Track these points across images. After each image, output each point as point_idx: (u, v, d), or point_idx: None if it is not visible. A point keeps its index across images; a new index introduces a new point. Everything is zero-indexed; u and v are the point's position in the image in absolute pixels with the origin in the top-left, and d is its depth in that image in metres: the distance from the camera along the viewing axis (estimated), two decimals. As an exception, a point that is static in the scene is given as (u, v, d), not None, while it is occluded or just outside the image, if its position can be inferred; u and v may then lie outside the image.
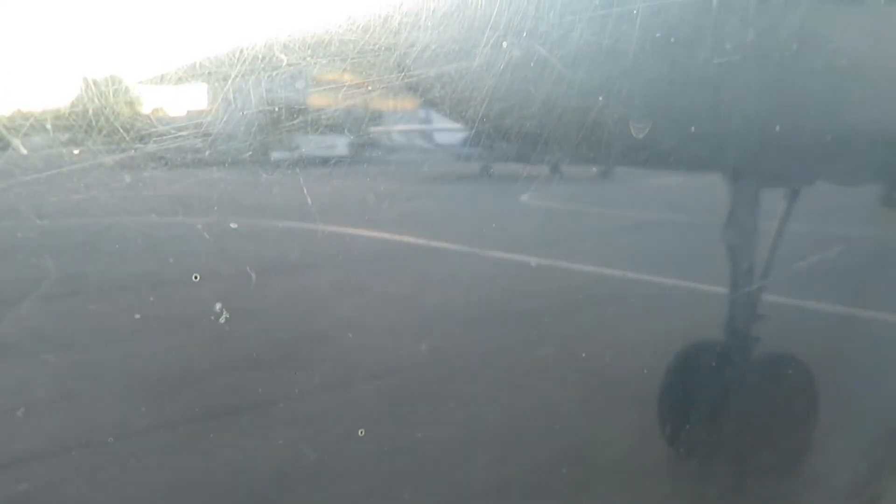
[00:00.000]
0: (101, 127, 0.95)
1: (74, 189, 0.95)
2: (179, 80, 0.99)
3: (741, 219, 1.70)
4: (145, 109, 1.00)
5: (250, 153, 1.07)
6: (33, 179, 0.92)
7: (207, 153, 1.03)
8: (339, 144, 1.20)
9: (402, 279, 1.48)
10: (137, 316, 1.00)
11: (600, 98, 1.20)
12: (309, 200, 0.99)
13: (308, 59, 1.01)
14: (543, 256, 1.50)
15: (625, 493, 1.66)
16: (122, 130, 0.96)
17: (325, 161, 1.12)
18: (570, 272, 1.77)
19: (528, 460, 1.47)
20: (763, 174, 1.65)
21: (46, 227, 0.94)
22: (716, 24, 1.22)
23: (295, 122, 1.07)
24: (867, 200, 1.89)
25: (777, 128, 1.36)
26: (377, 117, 1.30)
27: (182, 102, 1.03)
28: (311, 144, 1.15)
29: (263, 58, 0.99)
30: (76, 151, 0.94)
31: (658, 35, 1.19)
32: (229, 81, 0.99)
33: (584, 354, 1.47)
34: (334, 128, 1.12)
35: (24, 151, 0.90)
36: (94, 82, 0.94)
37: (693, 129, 1.32)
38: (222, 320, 1.02)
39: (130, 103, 0.98)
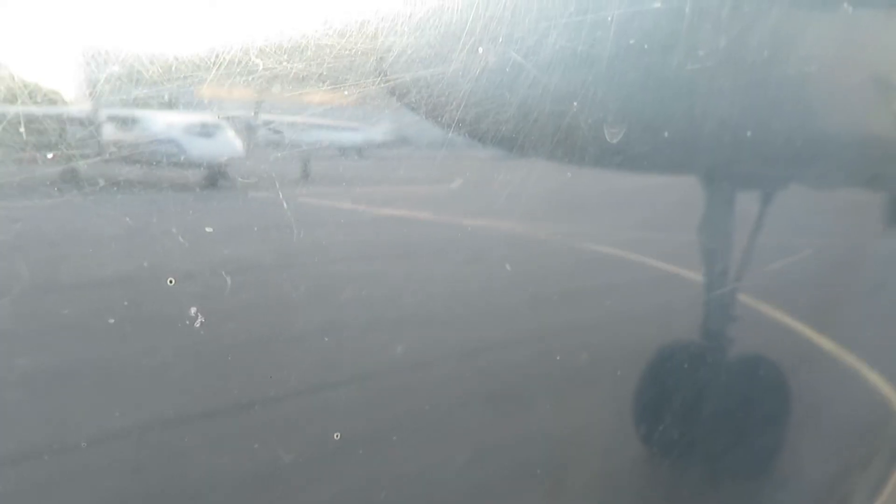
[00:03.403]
0: (73, 130, 0.94)
1: (47, 193, 0.94)
2: (155, 83, 0.99)
3: (716, 221, 1.72)
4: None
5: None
6: (5, 182, 0.92)
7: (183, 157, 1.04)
8: None
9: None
10: (112, 320, 1.00)
11: (575, 103, 1.21)
12: None
13: (284, 63, 1.02)
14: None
15: (600, 493, 1.67)
16: (97, 134, 0.96)
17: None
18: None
19: (504, 461, 1.48)
20: (737, 178, 1.67)
21: (20, 230, 0.94)
22: (689, 31, 1.24)
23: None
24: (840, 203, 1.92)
25: (749, 133, 1.38)
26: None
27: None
28: None
29: (239, 62, 0.99)
30: (49, 155, 0.93)
31: (632, 42, 1.21)
32: (205, 85, 0.99)
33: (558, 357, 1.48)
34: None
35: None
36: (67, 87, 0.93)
37: (667, 133, 1.33)
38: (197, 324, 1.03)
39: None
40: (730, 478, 1.81)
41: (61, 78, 0.97)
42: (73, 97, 0.99)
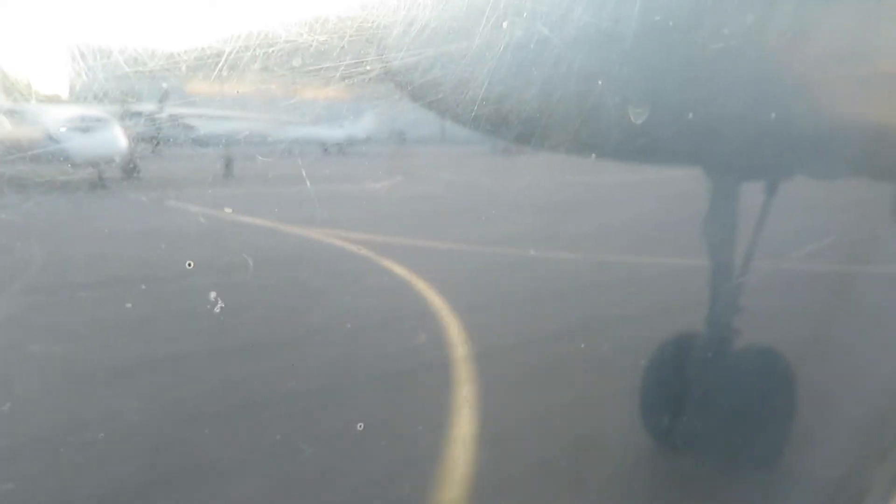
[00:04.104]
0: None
1: (62, 170, 0.91)
2: (171, 57, 0.95)
3: (724, 212, 1.70)
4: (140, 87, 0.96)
5: None
6: (18, 159, 0.88)
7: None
8: None
9: None
10: (129, 305, 0.96)
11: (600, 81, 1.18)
12: None
13: (305, 35, 0.98)
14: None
15: (614, 489, 1.65)
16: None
17: None
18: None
19: (527, 455, 1.45)
20: (758, 166, 1.65)
21: (32, 210, 0.90)
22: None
23: None
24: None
25: (773, 115, 1.36)
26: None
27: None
28: None
29: (259, 34, 0.95)
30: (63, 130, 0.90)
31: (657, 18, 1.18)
32: (223, 57, 0.95)
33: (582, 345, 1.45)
34: None
35: (10, 128, 0.86)
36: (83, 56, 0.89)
37: (691, 115, 1.30)
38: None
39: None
40: (747, 471, 1.79)
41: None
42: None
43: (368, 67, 1.04)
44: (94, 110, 0.98)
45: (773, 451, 1.87)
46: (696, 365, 1.76)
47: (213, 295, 1.04)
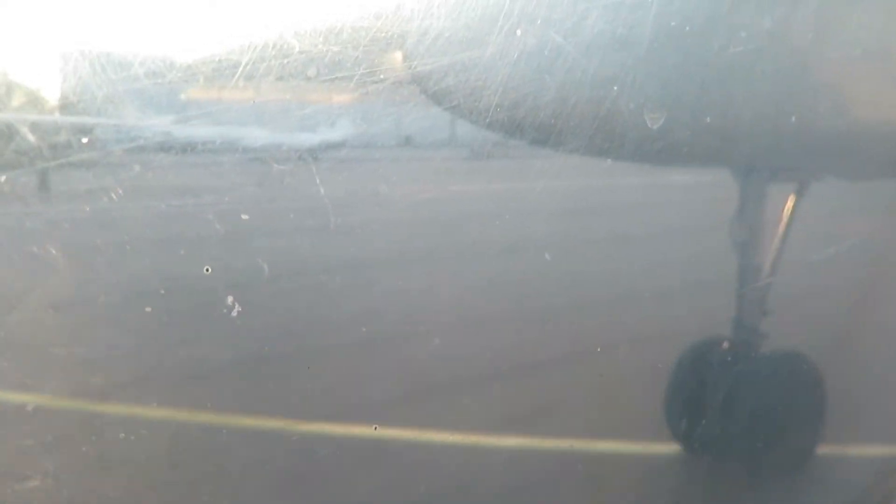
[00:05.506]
0: (108, 115, 0.93)
1: (83, 178, 0.93)
2: (188, 69, 0.97)
3: (751, 214, 1.68)
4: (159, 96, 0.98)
5: None
6: (41, 168, 0.90)
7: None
8: None
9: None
10: (148, 309, 0.98)
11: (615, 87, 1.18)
12: None
13: (320, 46, 1.00)
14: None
15: (634, 491, 1.65)
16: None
17: None
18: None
19: (541, 457, 1.46)
20: (778, 168, 1.63)
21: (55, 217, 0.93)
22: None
23: None
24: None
25: (793, 119, 1.34)
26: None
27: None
28: None
29: (274, 45, 0.97)
30: (84, 140, 0.92)
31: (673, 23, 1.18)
32: (240, 69, 0.97)
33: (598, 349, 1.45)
34: None
35: (32, 139, 0.88)
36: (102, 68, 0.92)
37: (708, 119, 1.30)
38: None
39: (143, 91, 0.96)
40: (771, 474, 1.77)
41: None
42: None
43: (382, 76, 1.05)
44: None
45: (799, 455, 1.85)
46: (723, 370, 1.75)
47: None
